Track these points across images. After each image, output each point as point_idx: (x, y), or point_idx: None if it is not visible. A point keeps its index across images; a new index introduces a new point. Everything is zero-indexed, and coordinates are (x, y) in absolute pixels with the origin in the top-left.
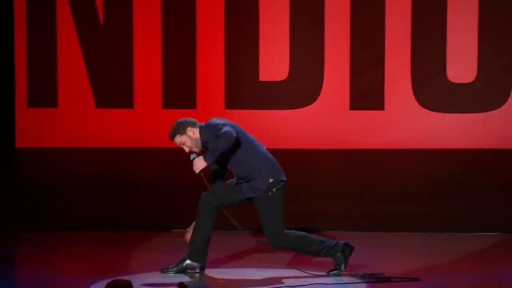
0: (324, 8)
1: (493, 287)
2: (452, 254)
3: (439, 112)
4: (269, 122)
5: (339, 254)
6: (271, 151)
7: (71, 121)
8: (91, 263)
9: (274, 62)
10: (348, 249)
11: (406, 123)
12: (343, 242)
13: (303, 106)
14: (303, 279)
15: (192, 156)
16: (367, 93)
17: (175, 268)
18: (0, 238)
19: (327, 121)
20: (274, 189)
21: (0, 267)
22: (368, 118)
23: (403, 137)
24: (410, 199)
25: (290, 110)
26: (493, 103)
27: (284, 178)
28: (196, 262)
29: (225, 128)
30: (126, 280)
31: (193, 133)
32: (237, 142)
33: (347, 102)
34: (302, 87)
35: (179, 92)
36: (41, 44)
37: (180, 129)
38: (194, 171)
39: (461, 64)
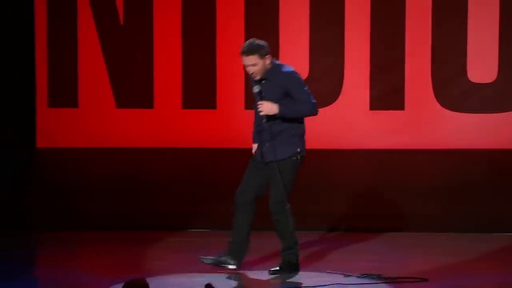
0: (345, 7)
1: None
2: (471, 255)
3: (460, 112)
4: None
5: (289, 264)
6: None
7: (92, 121)
8: (112, 262)
9: (294, 62)
10: (297, 268)
11: (426, 123)
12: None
13: (323, 106)
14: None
15: (256, 89)
16: (387, 93)
17: (212, 260)
18: (22, 238)
19: (347, 121)
20: (298, 156)
21: (23, 266)
22: (388, 118)
23: (423, 137)
24: (431, 199)
25: None
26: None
27: (305, 155)
28: (233, 259)
29: (313, 98)
30: (142, 280)
31: (269, 62)
32: None
33: (367, 102)
34: (322, 87)
35: (200, 92)
36: (61, 44)
37: (262, 51)
38: (259, 111)
39: (482, 64)
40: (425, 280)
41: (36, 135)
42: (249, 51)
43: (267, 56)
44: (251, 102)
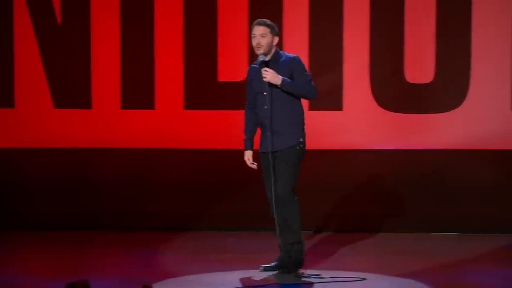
0: (282, 10)
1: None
2: (411, 254)
3: (397, 112)
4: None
5: (295, 259)
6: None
7: (29, 121)
8: (50, 263)
9: (232, 63)
10: (302, 264)
11: (364, 124)
12: (305, 253)
13: None
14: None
15: (261, 58)
16: (325, 93)
17: (274, 266)
18: None
19: None
20: (301, 146)
21: None
22: (327, 118)
23: (361, 138)
24: (371, 199)
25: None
26: (451, 103)
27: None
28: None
29: (313, 83)
30: (84, 281)
31: (276, 43)
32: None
33: (306, 102)
34: None
35: (138, 92)
36: None
37: (275, 29)
38: (263, 77)
39: (419, 64)
40: (363, 279)
41: None
42: (264, 23)
43: (276, 37)
44: (190, 103)
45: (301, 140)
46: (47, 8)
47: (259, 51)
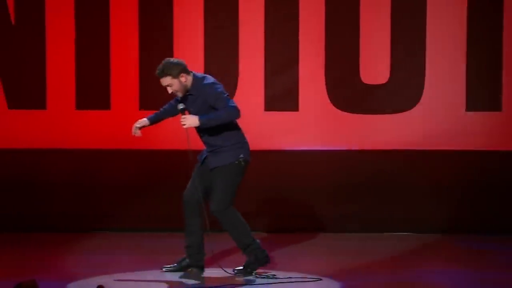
0: (238, 6)
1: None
2: (370, 255)
3: (352, 113)
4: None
5: (256, 260)
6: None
7: None
8: (5, 265)
9: (189, 61)
10: (266, 261)
11: (320, 124)
12: (266, 253)
13: None
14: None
15: (180, 106)
16: (281, 94)
17: (176, 267)
18: None
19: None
20: (241, 161)
21: None
22: (283, 119)
23: (317, 138)
24: (320, 199)
25: None
26: (406, 104)
27: (250, 160)
28: (195, 262)
29: (232, 103)
30: (32, 280)
31: (185, 79)
32: None
33: (262, 103)
34: None
35: (93, 92)
36: None
37: (174, 72)
38: (182, 125)
39: (374, 65)
40: (319, 279)
41: None
42: (161, 73)
43: (181, 75)
44: (145, 103)
45: (242, 156)
46: (2, 8)
47: (179, 95)
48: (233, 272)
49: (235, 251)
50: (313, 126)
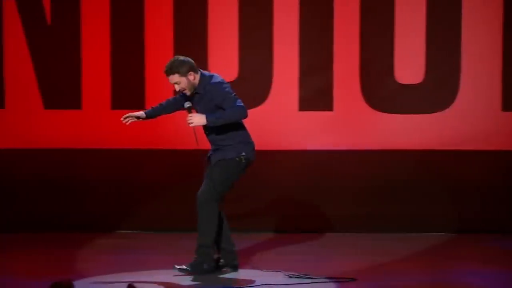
0: (273, 7)
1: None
2: (399, 255)
3: (387, 113)
4: None
5: (200, 263)
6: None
7: (19, 122)
8: (39, 265)
9: (223, 63)
10: (210, 270)
11: (355, 124)
12: (216, 264)
13: (252, 107)
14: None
15: (187, 105)
16: (316, 93)
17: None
18: None
19: (276, 122)
20: (242, 158)
21: None
22: (317, 119)
23: (351, 138)
24: (360, 199)
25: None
26: (441, 103)
27: (254, 159)
28: (227, 262)
29: (240, 102)
30: (68, 281)
31: (194, 78)
32: None
33: (296, 102)
34: (251, 88)
35: (128, 92)
36: None
37: (182, 69)
38: (188, 123)
39: (409, 65)
40: (353, 279)
41: None
42: (169, 71)
43: (190, 73)
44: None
45: (243, 153)
46: (38, 8)
47: (187, 93)
48: (173, 269)
49: (265, 249)
50: (347, 126)
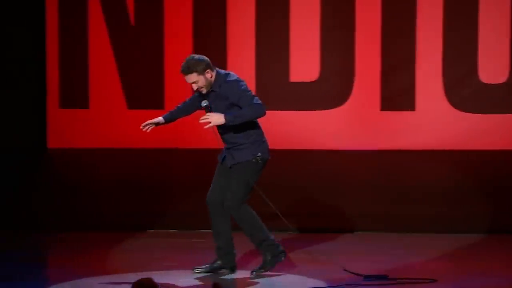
0: (355, 7)
1: None
2: (477, 256)
3: (470, 113)
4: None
5: (272, 256)
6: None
7: (103, 122)
8: (120, 263)
9: (304, 63)
10: (282, 256)
11: (437, 124)
12: (282, 248)
13: (334, 107)
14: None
15: (204, 103)
16: (398, 93)
17: (205, 269)
18: (32, 238)
19: (358, 122)
20: (258, 159)
21: (32, 267)
22: (399, 118)
23: (434, 138)
24: (439, 200)
25: (321, 111)
26: None
27: (269, 157)
28: (226, 263)
29: (257, 100)
30: (150, 279)
31: (211, 76)
32: None
33: (378, 102)
34: (333, 87)
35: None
36: (72, 45)
37: (199, 68)
38: (207, 122)
39: (493, 64)
40: (434, 280)
41: (47, 136)
42: (186, 70)
43: (207, 71)
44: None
45: (259, 154)
46: (121, 9)
47: (203, 91)
48: (252, 275)
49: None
50: (430, 125)
